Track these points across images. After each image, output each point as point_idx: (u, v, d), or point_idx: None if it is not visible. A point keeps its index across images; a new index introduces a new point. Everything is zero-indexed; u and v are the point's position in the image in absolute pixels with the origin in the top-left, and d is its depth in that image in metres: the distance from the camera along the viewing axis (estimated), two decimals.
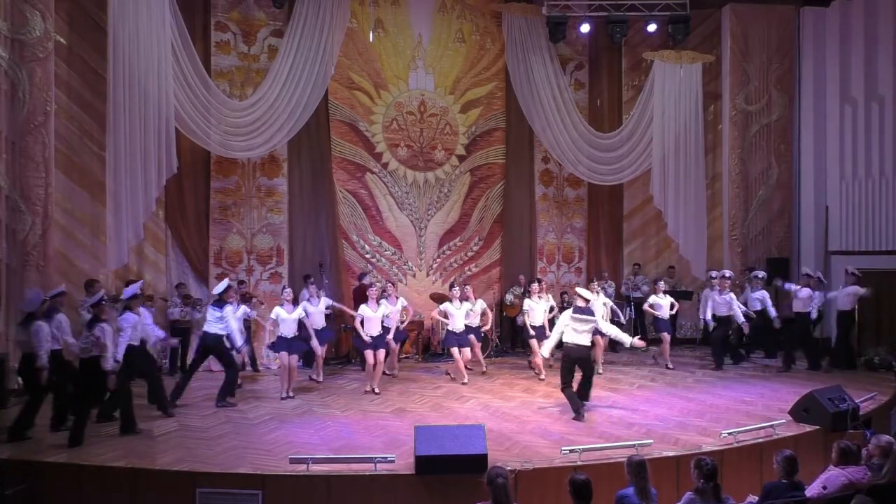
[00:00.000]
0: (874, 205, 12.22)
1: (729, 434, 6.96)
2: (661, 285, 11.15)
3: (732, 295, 10.84)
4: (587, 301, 8.24)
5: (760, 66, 13.23)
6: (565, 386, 8.02)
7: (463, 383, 9.83)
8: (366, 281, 11.05)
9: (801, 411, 7.63)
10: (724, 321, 10.91)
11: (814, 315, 10.98)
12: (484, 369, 10.68)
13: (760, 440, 7.00)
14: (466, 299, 10.23)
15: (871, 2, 12.25)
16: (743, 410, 8.32)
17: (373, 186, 12.24)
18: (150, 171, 10.12)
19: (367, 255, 12.20)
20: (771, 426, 7.20)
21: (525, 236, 13.07)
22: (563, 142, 12.91)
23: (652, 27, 12.73)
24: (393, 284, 10.52)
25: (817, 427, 7.36)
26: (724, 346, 11.08)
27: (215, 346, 8.62)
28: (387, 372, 10.19)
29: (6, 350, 8.66)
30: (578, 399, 7.99)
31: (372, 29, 12.05)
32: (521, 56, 12.68)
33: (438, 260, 12.62)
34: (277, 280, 11.43)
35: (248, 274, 11.30)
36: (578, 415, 7.82)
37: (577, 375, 8.18)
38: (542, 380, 10.03)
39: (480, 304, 10.56)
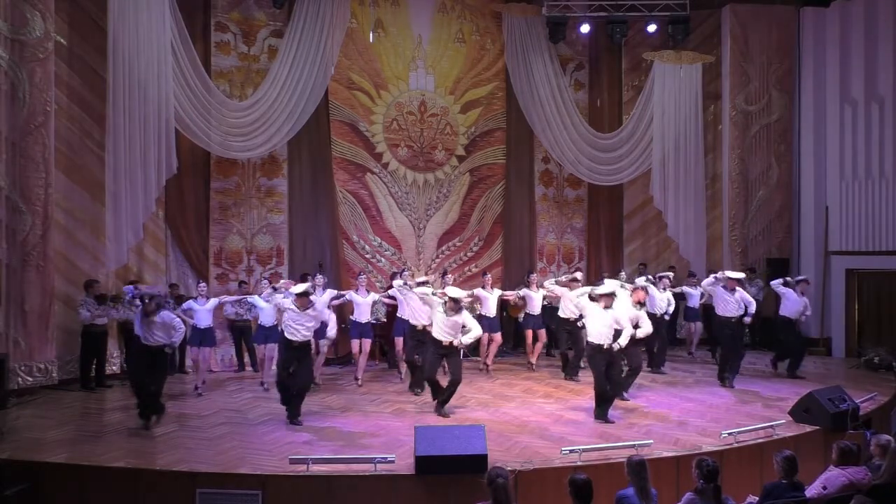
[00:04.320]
0: (874, 205, 12.18)
1: (729, 434, 6.97)
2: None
3: (743, 293, 9.89)
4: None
5: (760, 66, 13.22)
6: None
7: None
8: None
9: (801, 411, 7.64)
10: (729, 324, 9.80)
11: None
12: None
13: (760, 440, 7.02)
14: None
15: (871, 2, 12.23)
16: (743, 410, 8.33)
17: (373, 186, 12.23)
18: (149, 171, 10.10)
19: (367, 256, 12.19)
20: (771, 426, 7.21)
21: (525, 236, 13.06)
22: (563, 142, 12.91)
23: (652, 28, 12.71)
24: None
25: (817, 427, 7.37)
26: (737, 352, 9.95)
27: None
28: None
29: (6, 350, 8.65)
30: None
31: (372, 29, 12.03)
32: (521, 56, 12.68)
33: (437, 260, 12.61)
34: (278, 280, 11.38)
35: (249, 274, 11.30)
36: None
37: None
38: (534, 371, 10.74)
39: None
